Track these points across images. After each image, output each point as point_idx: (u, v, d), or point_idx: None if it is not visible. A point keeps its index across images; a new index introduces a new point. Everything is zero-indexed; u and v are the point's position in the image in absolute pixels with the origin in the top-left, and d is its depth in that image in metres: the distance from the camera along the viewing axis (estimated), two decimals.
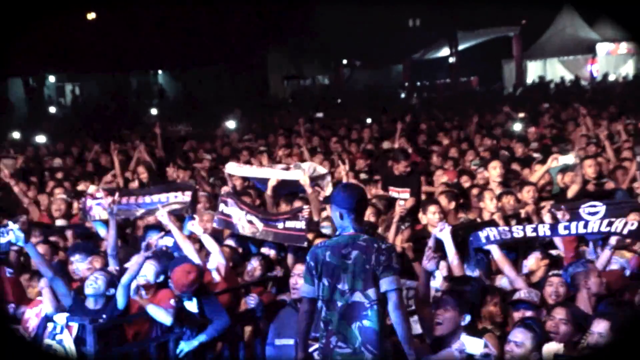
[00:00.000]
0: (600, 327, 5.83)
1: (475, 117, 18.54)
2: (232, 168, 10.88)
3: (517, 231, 7.81)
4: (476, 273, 7.60)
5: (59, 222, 10.65)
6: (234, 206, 9.01)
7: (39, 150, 20.02)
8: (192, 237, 8.79)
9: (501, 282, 7.67)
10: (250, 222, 8.85)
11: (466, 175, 11.75)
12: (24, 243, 7.34)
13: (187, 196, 9.30)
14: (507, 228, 7.90)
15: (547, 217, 8.59)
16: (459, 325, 5.98)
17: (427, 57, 45.13)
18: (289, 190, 10.62)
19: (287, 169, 10.71)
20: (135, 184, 12.28)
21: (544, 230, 7.84)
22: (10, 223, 7.71)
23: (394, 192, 10.95)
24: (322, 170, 10.73)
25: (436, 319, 6.03)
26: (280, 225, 8.60)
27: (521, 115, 20.72)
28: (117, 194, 9.09)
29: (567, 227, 7.79)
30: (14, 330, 7.43)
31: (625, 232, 7.49)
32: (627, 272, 7.76)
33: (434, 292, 6.97)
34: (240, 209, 8.99)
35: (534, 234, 7.84)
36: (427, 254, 6.14)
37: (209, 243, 8.20)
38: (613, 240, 7.55)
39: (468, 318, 6.01)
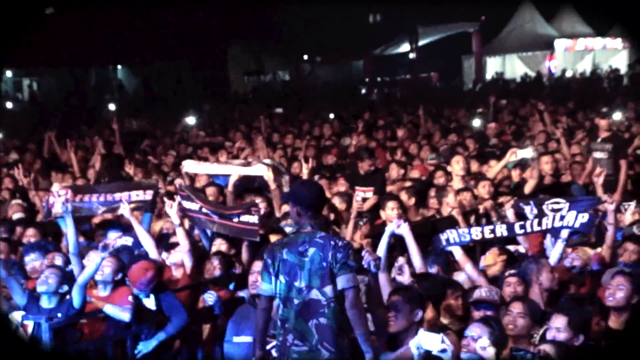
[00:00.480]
0: (558, 322, 5.90)
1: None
2: (190, 166, 10.75)
3: (476, 233, 7.88)
4: (434, 269, 7.64)
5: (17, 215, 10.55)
6: (188, 200, 8.97)
7: None
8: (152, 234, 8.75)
9: (459, 278, 7.72)
10: (206, 214, 8.82)
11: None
12: None
13: (148, 195, 9.23)
14: (466, 230, 7.95)
15: (509, 213, 8.65)
16: (412, 322, 6.01)
17: (388, 52, 45.22)
18: (249, 185, 10.60)
19: (248, 164, 10.64)
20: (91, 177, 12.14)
21: (501, 230, 7.93)
22: None
23: (359, 191, 10.86)
24: (281, 168, 10.67)
25: (389, 318, 6.05)
26: (235, 219, 8.57)
27: (480, 110, 20.86)
28: (69, 192, 8.88)
29: (522, 226, 7.89)
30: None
31: (577, 225, 7.60)
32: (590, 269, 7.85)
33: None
34: (194, 202, 8.95)
35: (492, 235, 7.92)
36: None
37: (181, 237, 8.14)
38: (564, 233, 7.65)
39: (420, 314, 6.04)
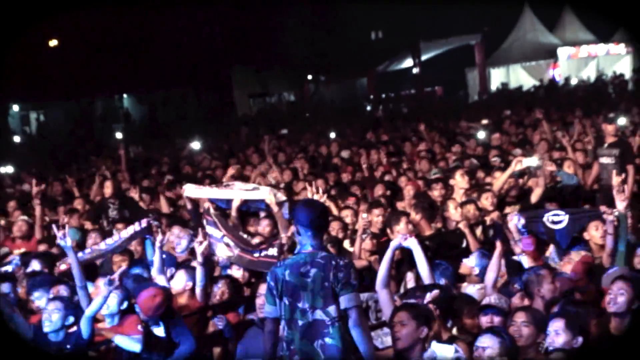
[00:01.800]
0: (555, 325, 5.92)
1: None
2: (191, 190, 10.66)
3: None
4: (442, 281, 7.61)
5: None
6: (213, 226, 8.94)
7: (3, 180, 19.83)
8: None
9: (467, 290, 7.69)
10: (227, 244, 8.81)
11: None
12: None
13: (143, 222, 9.34)
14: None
15: (511, 225, 8.64)
16: (418, 338, 5.97)
17: (391, 68, 45.30)
18: (251, 208, 10.60)
19: (248, 189, 10.56)
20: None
21: None
22: None
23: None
24: (281, 197, 10.56)
25: (394, 335, 6.01)
26: (256, 254, 8.56)
27: (485, 122, 20.86)
28: (64, 219, 8.81)
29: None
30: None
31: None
32: None
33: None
34: (218, 230, 8.92)
35: None
36: None
37: (200, 275, 8.09)
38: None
39: (426, 331, 6.00)
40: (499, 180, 11.06)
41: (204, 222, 9.07)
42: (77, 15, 33.68)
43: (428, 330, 6.01)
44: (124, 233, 9.27)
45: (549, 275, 7.02)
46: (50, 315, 7.22)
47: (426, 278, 7.20)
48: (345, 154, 17.79)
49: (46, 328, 7.20)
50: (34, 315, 7.91)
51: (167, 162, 20.23)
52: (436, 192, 10.82)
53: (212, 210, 9.46)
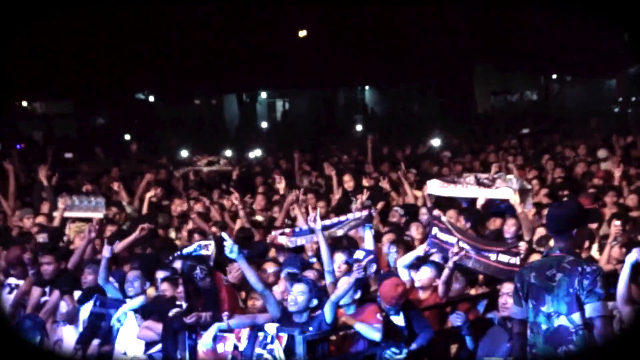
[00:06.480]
0: None
1: None
2: (434, 188, 10.63)
3: None
4: None
5: None
6: (446, 232, 8.94)
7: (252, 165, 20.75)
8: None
9: None
10: (462, 249, 8.79)
11: None
12: (237, 255, 7.59)
13: (365, 212, 9.56)
14: None
15: None
16: None
17: None
18: (496, 207, 10.52)
19: (493, 183, 10.49)
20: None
21: None
22: (224, 234, 8.05)
23: None
24: (527, 186, 10.46)
25: None
26: (492, 257, 8.48)
27: None
28: (318, 210, 9.24)
29: None
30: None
31: None
32: None
33: None
34: (451, 235, 8.92)
35: None
36: None
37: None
38: None
39: None
40: None
41: (436, 229, 9.03)
42: (325, 7, 34.68)
43: None
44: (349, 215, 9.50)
45: None
46: (296, 297, 7.47)
47: None
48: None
49: (291, 308, 7.47)
50: None
51: (402, 158, 20.35)
52: None
53: (442, 217, 9.42)
